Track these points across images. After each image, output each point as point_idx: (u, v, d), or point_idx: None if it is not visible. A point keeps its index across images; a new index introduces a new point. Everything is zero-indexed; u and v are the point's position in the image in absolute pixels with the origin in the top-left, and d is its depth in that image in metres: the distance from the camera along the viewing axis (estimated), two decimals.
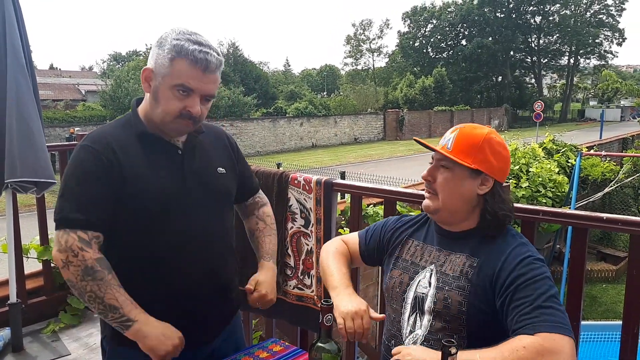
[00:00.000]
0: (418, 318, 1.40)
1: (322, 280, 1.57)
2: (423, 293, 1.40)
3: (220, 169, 1.61)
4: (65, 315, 3.20)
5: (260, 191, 1.89)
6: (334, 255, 1.62)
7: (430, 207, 1.43)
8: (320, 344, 1.27)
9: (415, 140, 1.58)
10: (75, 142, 3.37)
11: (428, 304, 1.37)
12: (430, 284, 1.40)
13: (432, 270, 1.42)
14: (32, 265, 3.27)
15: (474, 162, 1.37)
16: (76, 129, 17.62)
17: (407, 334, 1.41)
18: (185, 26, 1.49)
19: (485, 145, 1.38)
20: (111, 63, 56.67)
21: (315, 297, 2.23)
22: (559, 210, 1.77)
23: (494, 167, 1.38)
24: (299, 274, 2.28)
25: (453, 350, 1.07)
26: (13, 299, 2.83)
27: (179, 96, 1.42)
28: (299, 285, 2.28)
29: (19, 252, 3.04)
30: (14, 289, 2.84)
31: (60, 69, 58.59)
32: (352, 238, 1.70)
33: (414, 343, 1.38)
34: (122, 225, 1.44)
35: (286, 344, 1.78)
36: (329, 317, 1.26)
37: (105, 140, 1.44)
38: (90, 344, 2.97)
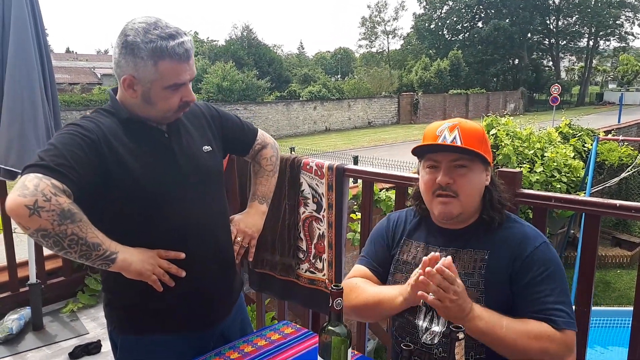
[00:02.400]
0: (435, 316, 1.38)
1: (375, 302, 1.43)
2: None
3: (206, 147, 1.61)
4: (84, 296, 3.29)
5: (259, 134, 1.87)
6: (364, 287, 1.48)
7: (453, 213, 1.37)
8: (330, 327, 1.29)
9: (418, 147, 1.41)
10: None
11: None
12: None
13: None
14: None
15: (487, 154, 1.39)
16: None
17: (423, 331, 1.40)
18: (137, 15, 1.43)
19: (486, 137, 1.42)
20: None
21: (327, 280, 2.26)
22: (572, 196, 1.76)
23: (491, 157, 1.42)
24: (311, 258, 2.30)
25: (461, 336, 1.09)
26: (33, 279, 2.91)
27: (173, 92, 1.43)
28: (311, 269, 2.31)
29: None
30: (33, 269, 2.92)
31: (76, 53, 58.82)
32: (360, 270, 1.57)
33: (432, 340, 1.38)
34: (123, 212, 1.45)
35: (297, 326, 1.81)
36: (339, 301, 1.28)
37: (94, 123, 1.41)
38: (109, 330, 3.05)
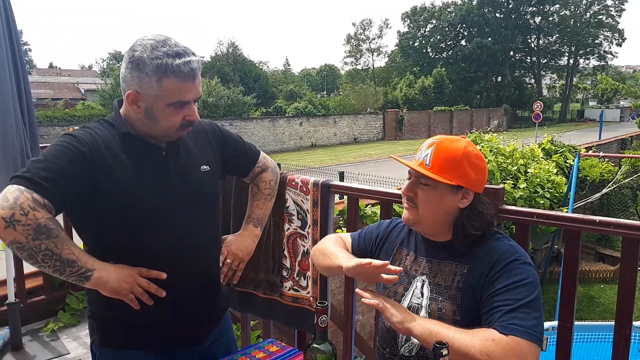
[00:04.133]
0: None
1: (321, 267, 1.59)
2: (417, 303, 1.41)
3: (204, 166, 1.60)
4: (64, 315, 3.23)
5: (260, 157, 1.88)
6: (331, 242, 1.63)
7: (410, 220, 1.43)
8: (315, 345, 1.29)
9: (392, 157, 1.59)
10: None
11: (422, 315, 1.38)
12: (422, 294, 1.41)
13: (423, 281, 1.43)
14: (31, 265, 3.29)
15: (454, 178, 1.34)
16: (75, 128, 17.56)
17: (402, 342, 1.42)
18: (148, 32, 1.47)
19: (464, 160, 1.36)
20: (111, 62, 56.55)
21: (311, 298, 2.25)
22: (552, 212, 1.78)
23: (473, 180, 1.37)
24: (295, 276, 2.29)
25: (444, 352, 1.09)
26: (11, 298, 2.85)
27: (177, 110, 1.43)
28: (295, 287, 2.30)
29: None
30: (12, 288, 2.86)
31: (59, 68, 58.50)
32: (346, 236, 1.70)
33: (410, 352, 1.40)
34: (110, 227, 1.44)
35: (282, 344, 1.79)
36: (324, 318, 1.28)
37: (89, 138, 1.42)
38: (89, 344, 2.98)
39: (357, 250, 1.64)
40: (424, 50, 54.12)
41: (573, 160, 8.03)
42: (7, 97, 2.57)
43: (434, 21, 53.09)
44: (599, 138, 19.18)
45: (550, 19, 52.00)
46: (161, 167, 1.50)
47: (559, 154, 8.80)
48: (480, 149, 6.94)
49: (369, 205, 4.72)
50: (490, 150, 6.97)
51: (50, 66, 62.90)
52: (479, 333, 1.23)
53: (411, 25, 54.28)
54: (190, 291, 1.55)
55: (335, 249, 1.56)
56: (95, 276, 1.36)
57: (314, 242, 2.22)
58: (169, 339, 1.55)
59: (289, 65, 77.43)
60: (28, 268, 3.24)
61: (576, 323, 1.77)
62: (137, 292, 1.42)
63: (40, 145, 2.90)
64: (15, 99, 2.61)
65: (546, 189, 6.74)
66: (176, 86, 1.38)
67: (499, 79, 53.48)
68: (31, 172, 1.29)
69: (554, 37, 53.03)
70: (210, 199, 1.64)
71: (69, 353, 2.89)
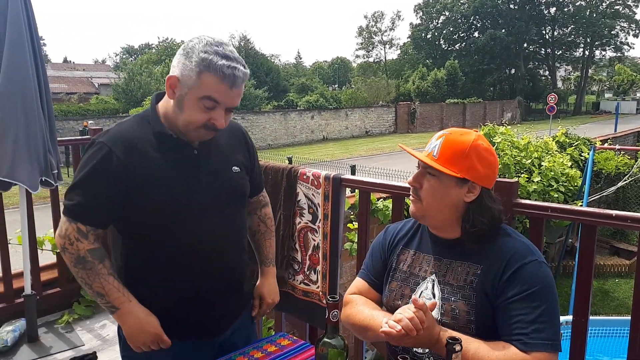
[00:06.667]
0: None
1: (364, 327, 1.45)
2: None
3: (235, 167, 1.63)
4: (79, 307, 3.27)
5: (264, 190, 1.90)
6: (359, 306, 1.50)
7: (416, 213, 1.42)
8: (326, 340, 1.29)
9: (400, 147, 1.57)
10: (88, 136, 3.42)
11: (434, 315, 1.34)
12: (434, 295, 1.38)
13: (433, 281, 1.40)
14: (46, 257, 3.33)
15: (461, 171, 1.33)
16: (89, 122, 17.79)
17: None
18: (211, 34, 1.48)
19: (472, 153, 1.34)
20: (124, 56, 56.94)
21: (321, 293, 2.25)
22: (568, 207, 1.76)
23: (481, 174, 1.35)
24: (305, 269, 2.29)
25: (457, 348, 1.08)
26: (28, 290, 2.89)
27: (205, 108, 1.43)
28: (305, 281, 2.30)
29: (34, 245, 3.10)
30: (28, 280, 2.90)
31: (74, 62, 59.01)
32: (359, 284, 1.58)
33: (423, 350, 1.37)
34: (139, 222, 1.49)
35: (294, 338, 1.80)
36: (335, 312, 1.28)
37: (121, 139, 1.47)
38: (104, 335, 3.02)
39: (375, 277, 1.56)
40: (436, 42, 53.68)
41: (588, 153, 7.92)
42: (30, 91, 2.63)
43: (447, 13, 52.58)
44: (615, 130, 18.91)
45: (566, 9, 51.17)
46: (192, 166, 1.53)
47: (573, 147, 8.68)
48: (499, 142, 6.88)
49: (381, 199, 4.70)
50: (511, 144, 6.89)
51: (65, 60, 63.47)
52: (499, 356, 1.23)
53: (424, 17, 53.84)
54: (212, 287, 1.58)
55: (369, 314, 1.45)
56: (117, 313, 1.49)
57: (325, 235, 2.21)
58: (190, 330, 1.60)
59: (300, 58, 77.48)
60: (44, 261, 3.29)
61: (590, 317, 1.75)
62: (145, 348, 1.53)
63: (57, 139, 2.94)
64: (36, 93, 2.67)
65: (560, 183, 6.66)
66: (212, 83, 1.40)
67: (513, 71, 52.87)
68: (74, 201, 1.45)
69: (569, 28, 52.22)
70: (239, 200, 1.66)
71: (84, 345, 2.92)
